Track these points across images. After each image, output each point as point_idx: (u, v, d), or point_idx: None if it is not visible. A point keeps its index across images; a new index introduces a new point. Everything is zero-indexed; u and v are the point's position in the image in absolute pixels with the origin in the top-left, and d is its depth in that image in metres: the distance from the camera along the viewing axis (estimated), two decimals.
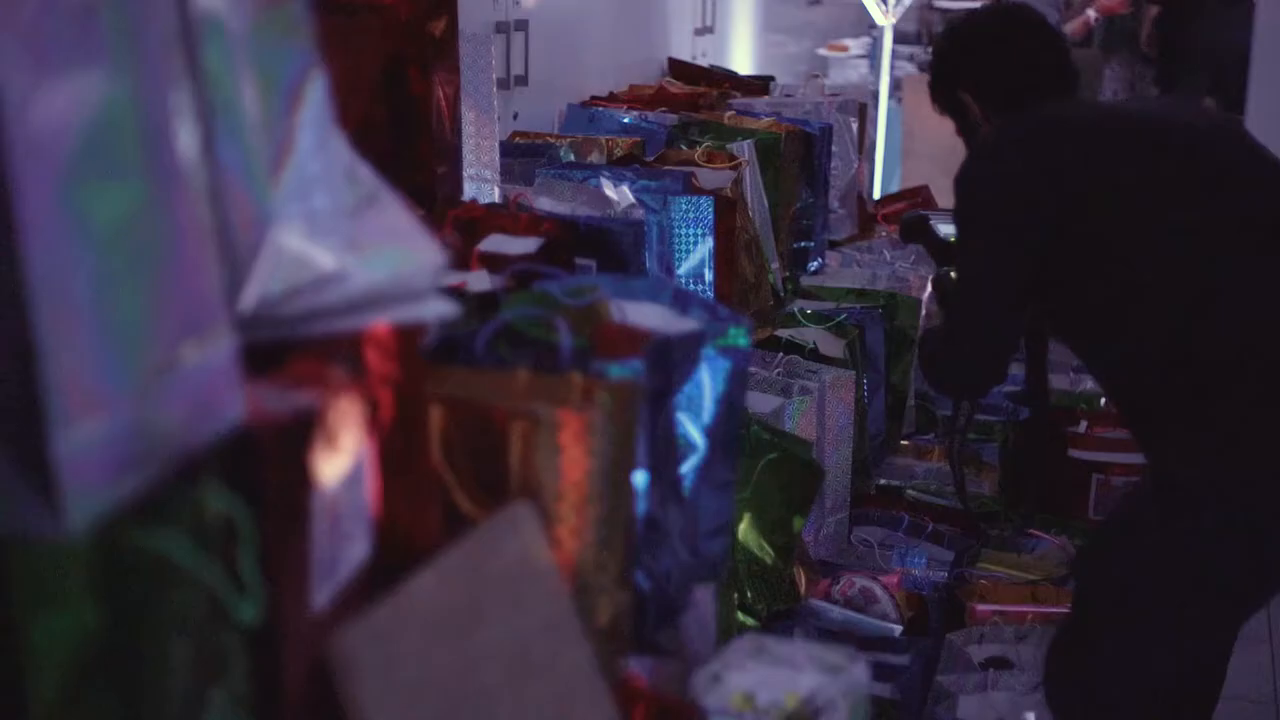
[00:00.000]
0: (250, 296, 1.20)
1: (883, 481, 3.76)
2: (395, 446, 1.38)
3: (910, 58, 8.32)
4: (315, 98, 1.28)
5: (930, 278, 3.11)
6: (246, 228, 1.20)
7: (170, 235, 1.01)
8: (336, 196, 1.30)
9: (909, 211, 3.46)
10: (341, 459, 1.23)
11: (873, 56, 7.42)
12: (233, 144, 1.17)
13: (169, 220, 1.01)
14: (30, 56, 0.88)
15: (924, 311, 3.86)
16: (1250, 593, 2.47)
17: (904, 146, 7.56)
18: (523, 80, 3.68)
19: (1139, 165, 2.46)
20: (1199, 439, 2.35)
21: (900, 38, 7.58)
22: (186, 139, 1.04)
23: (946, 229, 3.11)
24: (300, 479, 1.16)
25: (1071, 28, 7.84)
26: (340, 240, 1.29)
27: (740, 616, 2.55)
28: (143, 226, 0.98)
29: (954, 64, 2.79)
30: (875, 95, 6.13)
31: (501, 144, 2.81)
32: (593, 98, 4.23)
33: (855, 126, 4.56)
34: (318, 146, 1.28)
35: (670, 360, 1.76)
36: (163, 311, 1.00)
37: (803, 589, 2.94)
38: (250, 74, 1.20)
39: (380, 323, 1.35)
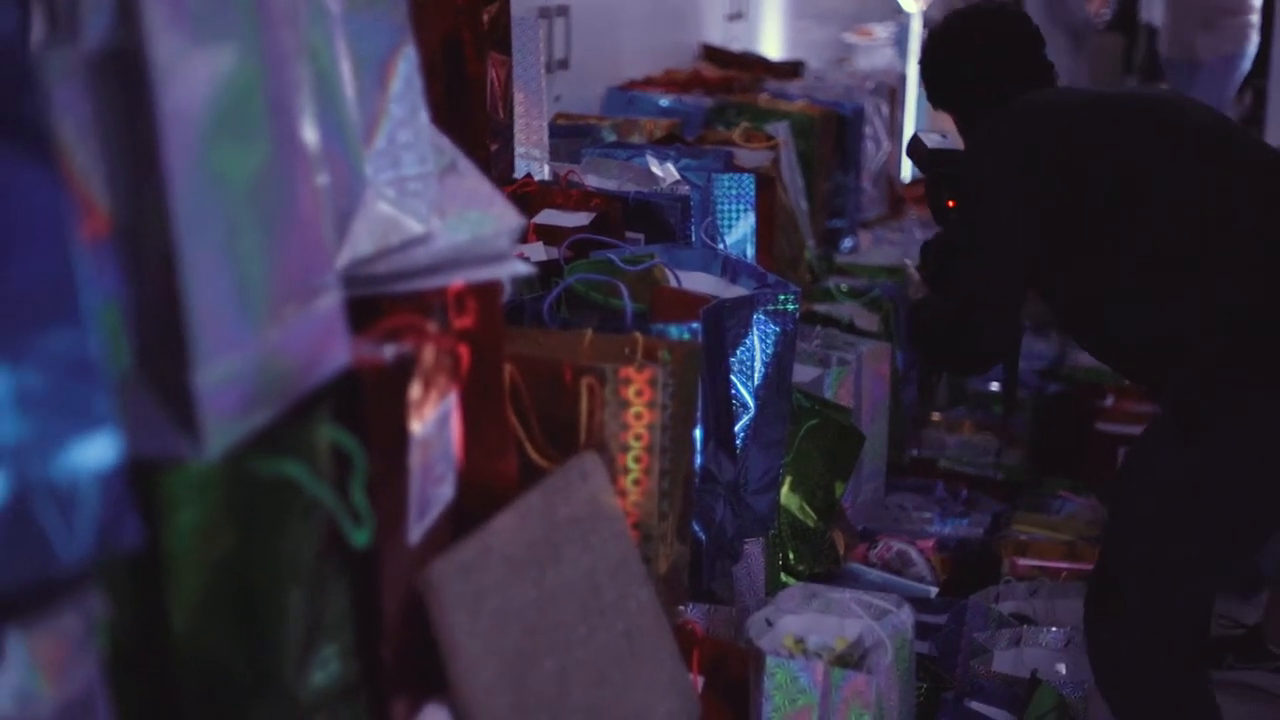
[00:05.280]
0: (344, 256, 1.30)
1: (916, 452, 3.85)
2: (474, 399, 1.48)
3: None
4: (405, 71, 1.38)
5: (921, 244, 3.10)
6: (342, 192, 1.30)
7: (290, 195, 1.11)
8: (423, 164, 1.39)
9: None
10: (432, 404, 1.33)
11: (899, 42, 7.48)
12: (330, 114, 1.27)
13: (289, 182, 1.11)
14: (175, 30, 0.98)
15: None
16: (1261, 519, 2.56)
17: (931, 128, 7.62)
18: (564, 64, 3.77)
19: (1118, 134, 2.59)
20: (1202, 375, 2.48)
21: (928, 24, 7.63)
22: (304, 109, 1.14)
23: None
24: (399, 420, 1.27)
25: (1091, 9, 7.89)
26: (427, 205, 1.39)
27: (783, 577, 2.64)
28: (268, 186, 1.08)
29: (942, 73, 2.91)
30: (903, 79, 6.20)
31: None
32: (630, 81, 4.32)
33: (887, 110, 4.65)
34: (407, 117, 1.39)
35: (724, 324, 1.86)
36: (284, 265, 1.10)
37: (842, 552, 3.04)
38: (345, 49, 1.30)
39: (461, 281, 1.45)
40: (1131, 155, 2.56)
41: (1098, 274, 2.58)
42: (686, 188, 2.67)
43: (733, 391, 1.92)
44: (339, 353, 1.18)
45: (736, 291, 1.99)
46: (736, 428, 1.95)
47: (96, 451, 0.83)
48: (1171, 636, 2.52)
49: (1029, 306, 2.88)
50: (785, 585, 2.60)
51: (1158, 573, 2.51)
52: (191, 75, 1.00)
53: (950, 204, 2.84)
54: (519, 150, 2.70)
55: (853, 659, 1.78)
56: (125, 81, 0.98)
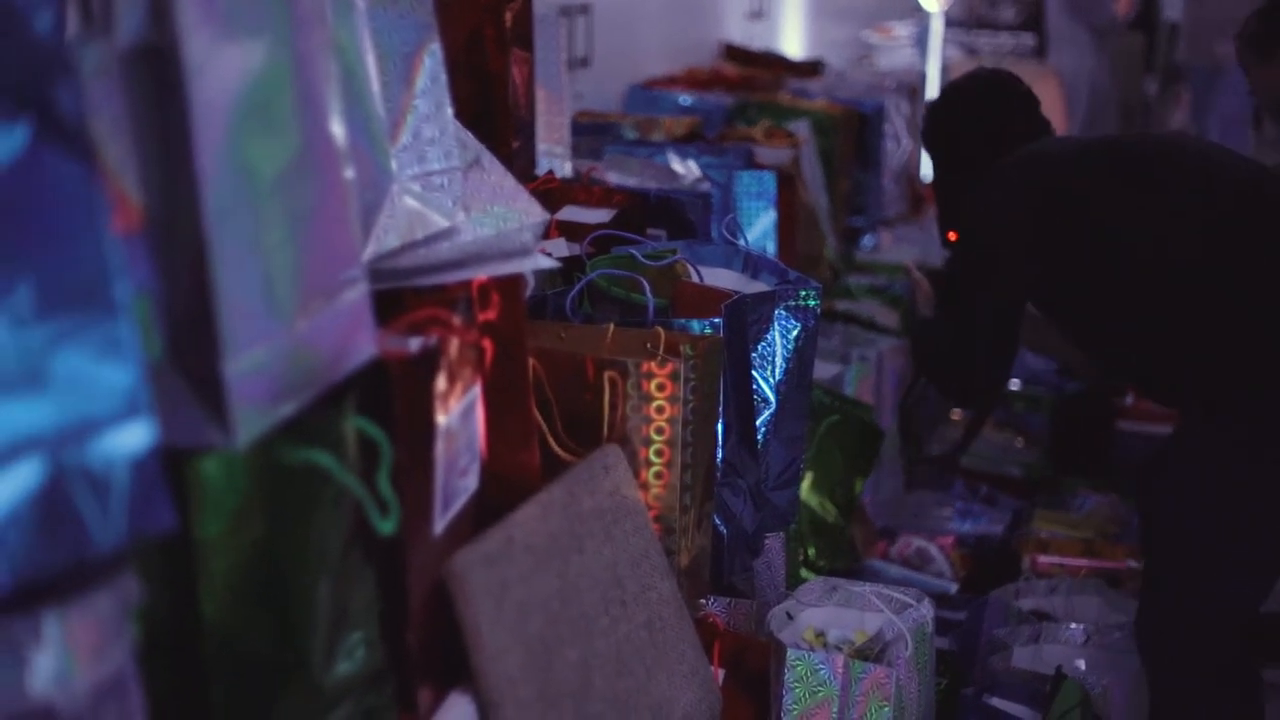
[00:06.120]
0: (369, 250, 1.32)
1: (936, 449, 3.86)
2: (497, 392, 1.50)
3: (959, 43, 8.38)
4: (431, 67, 1.40)
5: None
6: (368, 187, 1.32)
7: (318, 189, 1.13)
8: (448, 159, 1.41)
9: None
10: (457, 397, 1.35)
11: (920, 41, 7.49)
12: (356, 110, 1.29)
13: (317, 176, 1.13)
14: (207, 27, 1.00)
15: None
16: None
17: None
18: (585, 62, 3.79)
19: (1115, 175, 2.67)
20: (1227, 381, 2.53)
21: (947, 21, 7.63)
22: (332, 104, 1.15)
23: None
24: (425, 412, 1.28)
25: (1118, 8, 7.89)
26: (452, 199, 1.40)
27: (803, 573, 2.65)
28: (297, 180, 1.09)
29: (944, 143, 3.00)
30: (923, 78, 6.21)
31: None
32: (651, 79, 4.33)
33: (907, 108, 4.66)
34: (433, 112, 1.40)
35: (746, 319, 1.87)
36: (312, 257, 1.12)
37: (861, 549, 3.05)
38: (371, 45, 1.32)
39: (485, 275, 1.47)
40: (1129, 194, 2.62)
41: (1112, 306, 2.63)
42: (708, 184, 2.69)
43: (754, 386, 1.94)
44: (366, 345, 1.19)
45: (758, 287, 2.00)
46: (758, 423, 1.96)
47: (131, 438, 0.84)
48: (1219, 636, 2.56)
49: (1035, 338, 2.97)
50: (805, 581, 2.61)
51: (1202, 579, 2.56)
52: (222, 71, 1.01)
53: (952, 236, 2.93)
54: (541, 147, 2.71)
55: (873, 652, 1.79)
56: (157, 77, 0.99)
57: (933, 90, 6.59)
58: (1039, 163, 2.72)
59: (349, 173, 1.18)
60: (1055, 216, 2.63)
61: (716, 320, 1.77)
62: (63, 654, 0.82)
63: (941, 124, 2.99)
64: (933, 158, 3.05)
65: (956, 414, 4.06)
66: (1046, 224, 2.63)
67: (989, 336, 2.74)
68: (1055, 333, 2.92)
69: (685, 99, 4.02)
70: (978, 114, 2.92)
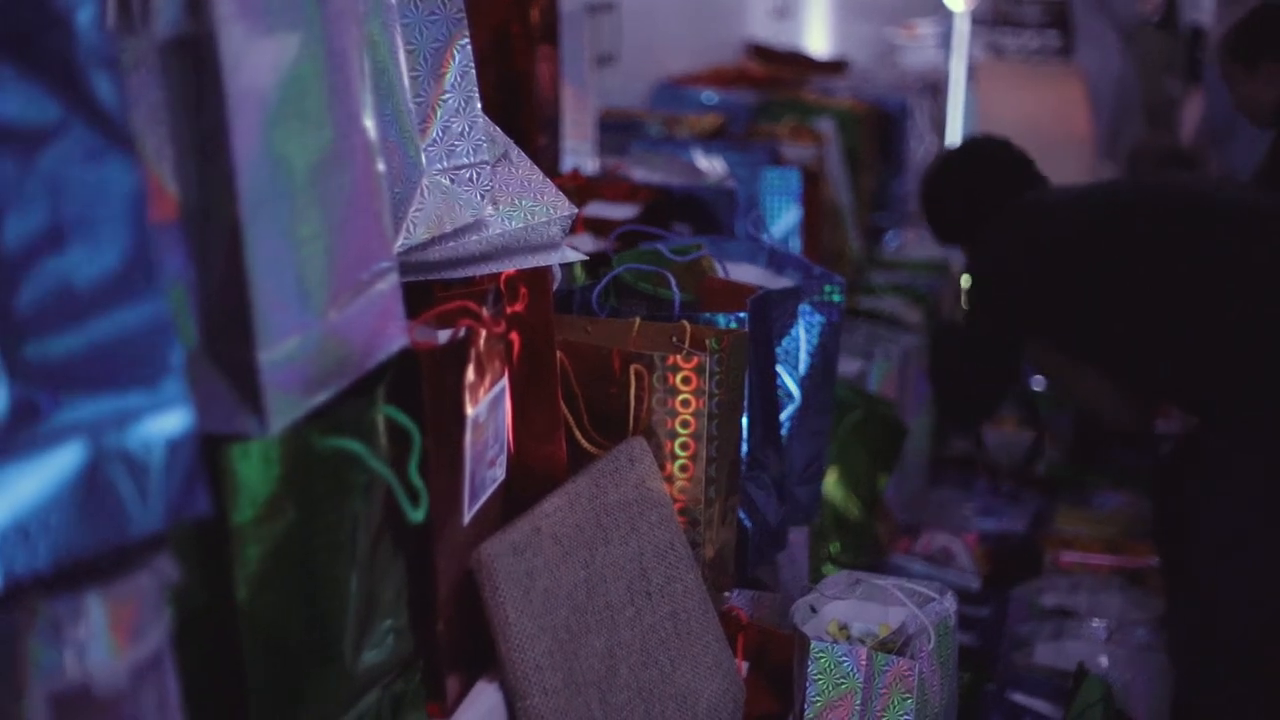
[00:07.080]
0: (399, 243, 1.33)
1: (959, 446, 3.87)
2: (524, 384, 1.51)
3: (984, 42, 8.36)
4: (461, 62, 1.41)
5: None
6: (397, 180, 1.34)
7: (350, 181, 1.14)
8: (477, 152, 1.42)
9: None
10: (486, 388, 1.36)
11: (945, 40, 7.47)
12: (387, 103, 1.30)
13: (350, 168, 1.14)
14: (244, 19, 1.01)
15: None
16: None
17: (979, 129, 7.58)
18: (610, 59, 3.80)
19: (1100, 221, 2.75)
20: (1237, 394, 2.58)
21: (972, 19, 7.60)
22: (364, 97, 1.17)
23: None
24: (454, 403, 1.30)
25: (1146, 8, 7.87)
26: (480, 193, 1.42)
27: (827, 568, 2.66)
28: (330, 172, 1.11)
29: (941, 213, 3.13)
30: (948, 76, 6.21)
31: None
32: (677, 77, 4.34)
33: (932, 107, 4.67)
34: (462, 107, 1.42)
35: (770, 313, 1.88)
36: (344, 248, 1.13)
37: (884, 545, 3.06)
38: (402, 41, 1.33)
39: (513, 269, 1.48)
40: (1134, 231, 2.69)
41: (1129, 329, 2.68)
42: (733, 181, 2.70)
43: (778, 381, 1.95)
44: (396, 336, 1.20)
45: (782, 283, 2.01)
46: (782, 417, 1.97)
47: (168, 423, 0.86)
48: (1247, 636, 2.58)
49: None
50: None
51: (1231, 581, 2.58)
52: (258, 63, 1.03)
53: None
54: (567, 144, 2.73)
55: (896, 645, 1.80)
56: (194, 69, 1.01)
57: (960, 90, 6.59)
58: (1040, 212, 2.84)
59: (380, 165, 1.20)
60: (1061, 256, 2.71)
61: (741, 315, 1.79)
62: (103, 634, 0.84)
63: (937, 195, 3.16)
64: (933, 230, 3.16)
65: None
66: (1053, 265, 2.72)
67: (986, 368, 2.91)
68: (1087, 378, 2.97)
69: (710, 96, 4.04)
70: (971, 181, 3.02)
